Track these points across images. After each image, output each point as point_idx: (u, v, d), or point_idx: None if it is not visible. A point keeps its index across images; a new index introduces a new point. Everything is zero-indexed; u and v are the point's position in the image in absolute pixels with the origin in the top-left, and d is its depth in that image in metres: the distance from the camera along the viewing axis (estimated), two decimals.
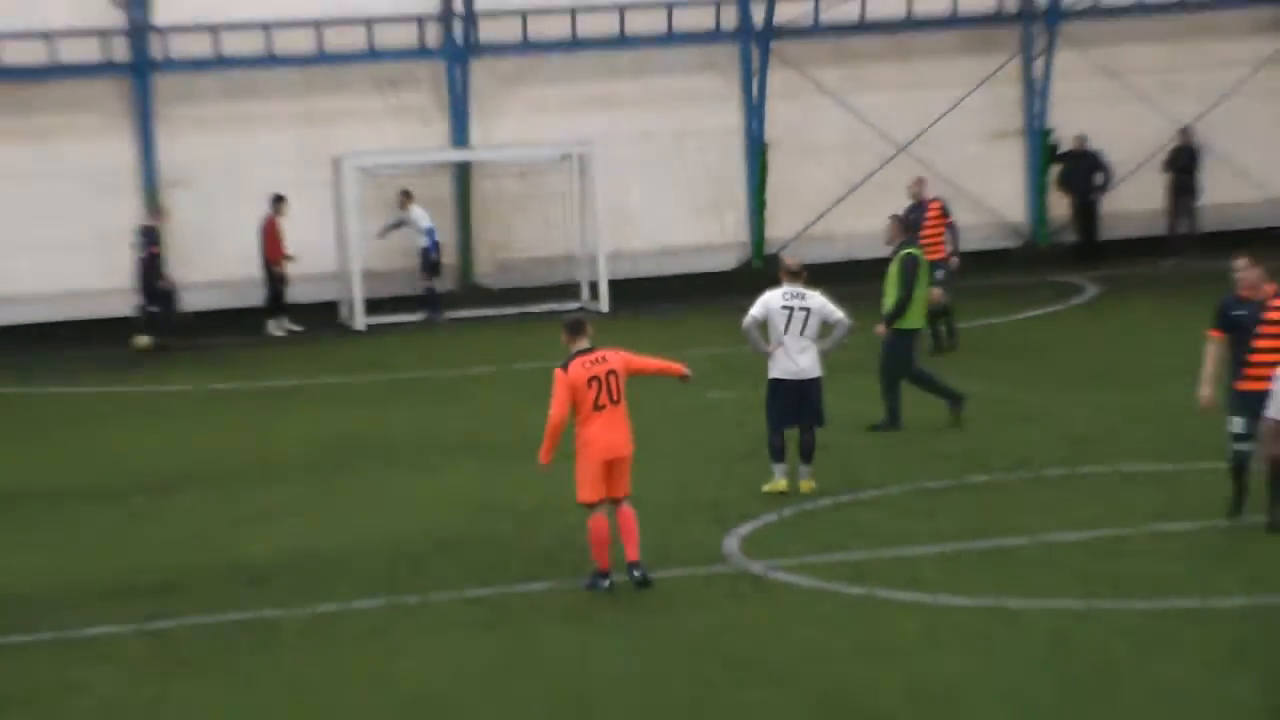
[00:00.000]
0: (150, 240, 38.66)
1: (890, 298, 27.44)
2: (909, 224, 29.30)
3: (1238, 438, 20.85)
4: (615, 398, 19.66)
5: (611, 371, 19.67)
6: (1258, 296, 20.82)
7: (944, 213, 33.49)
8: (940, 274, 32.39)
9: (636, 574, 19.73)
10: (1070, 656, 17.19)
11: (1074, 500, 22.88)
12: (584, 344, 19.85)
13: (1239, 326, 20.85)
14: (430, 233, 40.09)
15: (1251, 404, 20.54)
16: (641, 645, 18.23)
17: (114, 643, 19.08)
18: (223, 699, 17.26)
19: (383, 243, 40.43)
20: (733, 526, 22.14)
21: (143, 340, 38.13)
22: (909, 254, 27.63)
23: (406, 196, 40.34)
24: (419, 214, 40.22)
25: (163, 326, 38.45)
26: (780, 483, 23.74)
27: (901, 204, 42.56)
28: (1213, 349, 21.18)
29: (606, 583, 19.80)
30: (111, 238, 39.58)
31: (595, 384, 19.60)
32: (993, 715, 15.91)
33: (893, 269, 27.60)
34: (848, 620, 18.72)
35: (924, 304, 27.96)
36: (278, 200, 39.51)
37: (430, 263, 40.17)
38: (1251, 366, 20.71)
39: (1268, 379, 20.26)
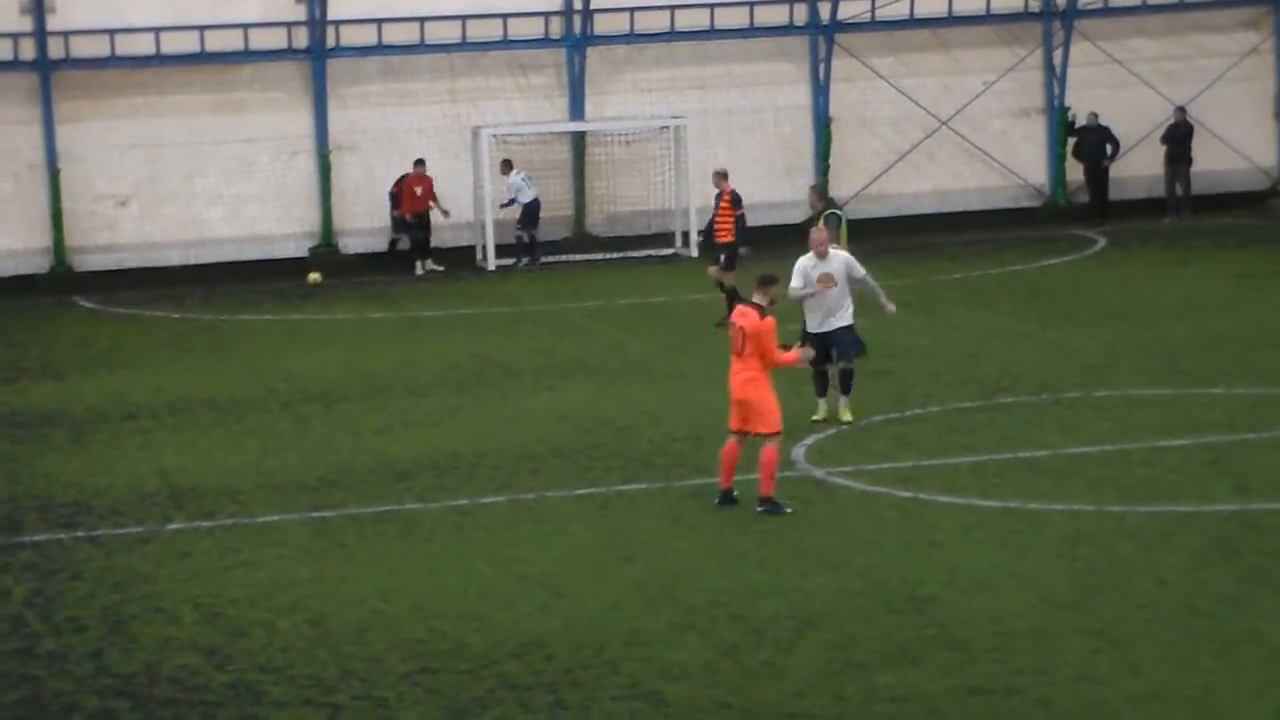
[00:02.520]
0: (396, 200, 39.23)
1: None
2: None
3: None
4: (740, 351, 18.53)
5: (742, 329, 18.56)
6: None
7: (734, 203, 31.36)
8: (723, 256, 30.67)
9: (759, 508, 18.52)
10: (1083, 551, 16.89)
11: (1087, 419, 22.42)
12: (756, 298, 18.69)
13: None
14: (518, 196, 39.25)
15: None
16: (721, 537, 17.91)
17: (281, 529, 18.91)
18: (371, 577, 17.01)
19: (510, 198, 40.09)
20: (800, 439, 21.69)
21: (314, 276, 37.89)
22: (832, 214, 26.42)
23: (507, 165, 39.78)
24: (516, 181, 39.37)
25: (420, 250, 39.11)
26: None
27: (941, 171, 42.94)
28: None
29: (728, 499, 18.85)
30: (290, 191, 39.85)
31: (736, 332, 18.64)
32: (1017, 599, 15.56)
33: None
34: (896, 518, 18.39)
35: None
36: (418, 163, 39.30)
37: (527, 216, 39.45)
38: None
39: None
